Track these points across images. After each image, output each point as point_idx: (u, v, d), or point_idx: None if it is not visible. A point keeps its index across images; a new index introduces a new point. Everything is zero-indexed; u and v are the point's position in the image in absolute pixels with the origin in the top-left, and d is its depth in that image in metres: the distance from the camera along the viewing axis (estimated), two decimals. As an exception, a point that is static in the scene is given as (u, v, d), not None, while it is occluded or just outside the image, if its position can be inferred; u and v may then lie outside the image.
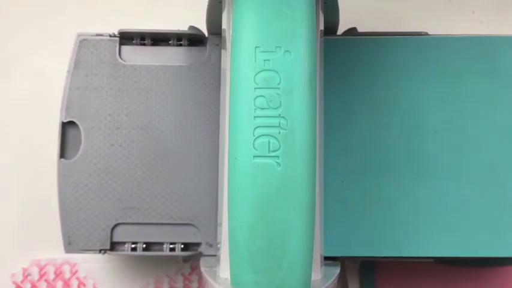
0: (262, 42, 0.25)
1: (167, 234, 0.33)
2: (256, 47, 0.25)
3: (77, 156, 0.34)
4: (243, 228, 0.25)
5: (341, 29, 0.35)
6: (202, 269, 0.31)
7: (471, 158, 0.33)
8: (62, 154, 0.34)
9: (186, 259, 0.34)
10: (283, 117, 0.25)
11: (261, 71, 0.25)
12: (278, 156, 0.25)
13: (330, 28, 0.34)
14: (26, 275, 0.37)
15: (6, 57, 0.40)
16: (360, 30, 0.35)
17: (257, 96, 0.25)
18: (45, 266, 0.37)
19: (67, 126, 0.34)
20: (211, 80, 0.34)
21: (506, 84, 0.33)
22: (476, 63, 0.34)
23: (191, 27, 0.35)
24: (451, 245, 0.32)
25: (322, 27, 0.30)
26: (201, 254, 0.33)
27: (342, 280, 0.38)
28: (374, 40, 0.34)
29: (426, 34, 0.34)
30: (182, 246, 0.33)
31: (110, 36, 0.35)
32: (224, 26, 0.31)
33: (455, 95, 0.33)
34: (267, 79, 0.25)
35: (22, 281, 0.37)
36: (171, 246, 0.33)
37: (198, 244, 0.34)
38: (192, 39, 0.35)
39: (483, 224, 0.32)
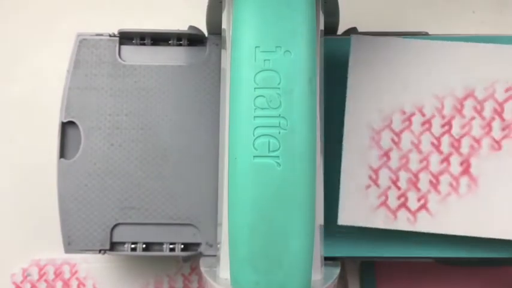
0: (262, 42, 0.25)
1: (167, 234, 0.33)
2: (256, 47, 0.25)
3: (77, 156, 0.34)
4: (243, 229, 0.25)
5: (341, 29, 0.35)
6: (202, 269, 0.31)
7: None
8: (62, 154, 0.34)
9: (186, 259, 0.34)
10: (283, 117, 0.25)
11: (261, 71, 0.25)
12: (278, 156, 0.25)
13: (330, 28, 0.34)
14: (26, 275, 0.37)
15: (6, 57, 0.40)
16: (360, 30, 0.35)
17: (257, 96, 0.25)
18: (44, 266, 0.37)
19: (67, 126, 0.34)
20: (211, 80, 0.34)
21: None
22: None
23: (191, 27, 0.35)
24: (451, 245, 0.32)
25: (322, 27, 0.30)
26: (201, 254, 0.33)
27: (342, 280, 0.38)
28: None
29: (426, 34, 0.34)
30: (182, 246, 0.33)
31: (110, 36, 0.35)
32: (224, 26, 0.31)
33: None
34: (267, 79, 0.25)
35: (22, 281, 0.37)
36: (171, 246, 0.33)
37: (198, 244, 0.34)
38: (192, 39, 0.35)
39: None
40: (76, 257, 0.38)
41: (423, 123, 0.32)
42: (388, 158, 0.32)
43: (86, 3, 0.41)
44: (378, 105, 0.32)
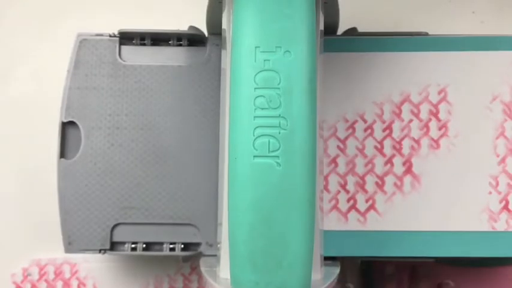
0: (262, 42, 0.25)
1: (167, 234, 0.33)
2: (256, 47, 0.25)
3: (77, 156, 0.34)
4: (243, 228, 0.25)
5: (341, 29, 0.35)
6: (202, 269, 0.31)
7: None
8: (62, 154, 0.34)
9: (186, 259, 0.34)
10: (283, 117, 0.25)
11: (261, 71, 0.25)
12: (278, 156, 0.25)
13: (330, 28, 0.34)
14: (26, 274, 0.37)
15: (6, 57, 0.40)
16: (360, 30, 0.35)
17: (257, 96, 0.25)
18: (45, 266, 0.37)
19: (67, 126, 0.34)
20: (211, 80, 0.34)
21: None
22: None
23: (191, 27, 0.35)
24: (451, 245, 0.32)
25: (322, 27, 0.30)
26: (201, 254, 0.33)
27: (342, 280, 0.38)
28: (374, 40, 0.34)
29: (426, 34, 0.34)
30: (182, 246, 0.33)
31: (110, 36, 0.35)
32: (224, 26, 0.31)
33: None
34: (267, 79, 0.25)
35: (22, 281, 0.37)
36: (171, 246, 0.33)
37: (198, 244, 0.34)
38: (192, 39, 0.35)
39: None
40: (76, 257, 0.38)
41: (365, 129, 0.33)
42: (336, 164, 0.33)
43: (86, 3, 0.41)
44: (323, 116, 0.33)
